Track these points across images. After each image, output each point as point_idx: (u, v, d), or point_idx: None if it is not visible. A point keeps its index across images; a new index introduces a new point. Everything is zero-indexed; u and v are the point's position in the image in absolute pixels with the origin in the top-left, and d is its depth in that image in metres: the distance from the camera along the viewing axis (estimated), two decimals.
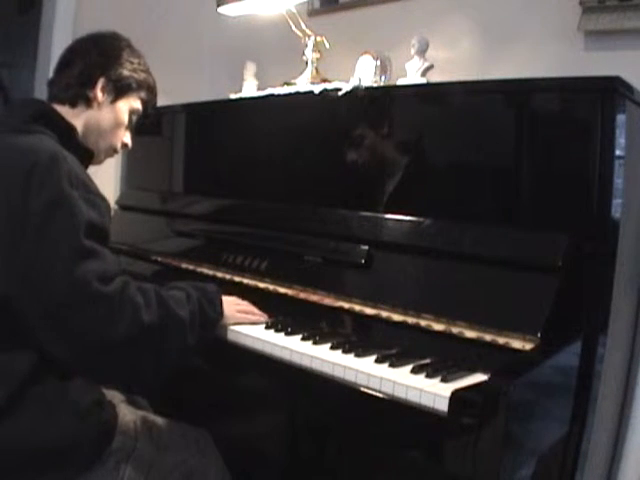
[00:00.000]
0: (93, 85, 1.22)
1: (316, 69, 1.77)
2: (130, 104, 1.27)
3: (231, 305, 1.27)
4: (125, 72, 1.25)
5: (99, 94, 1.22)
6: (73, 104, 1.21)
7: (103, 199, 1.10)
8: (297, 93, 1.63)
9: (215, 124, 1.87)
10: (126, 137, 1.30)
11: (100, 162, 1.29)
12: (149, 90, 1.30)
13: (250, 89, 2.00)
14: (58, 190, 1.01)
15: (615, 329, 1.17)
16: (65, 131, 1.17)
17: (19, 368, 1.01)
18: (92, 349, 1.00)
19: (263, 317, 1.31)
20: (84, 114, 1.22)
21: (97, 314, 0.99)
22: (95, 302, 0.99)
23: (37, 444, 1.01)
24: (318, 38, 1.78)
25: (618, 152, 1.09)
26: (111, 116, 1.24)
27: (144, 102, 1.30)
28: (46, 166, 1.02)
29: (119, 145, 1.29)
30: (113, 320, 0.99)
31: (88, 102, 1.22)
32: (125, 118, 1.27)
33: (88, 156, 1.23)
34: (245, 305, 1.31)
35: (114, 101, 1.24)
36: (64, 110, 1.20)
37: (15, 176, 1.02)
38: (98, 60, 1.23)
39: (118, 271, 1.06)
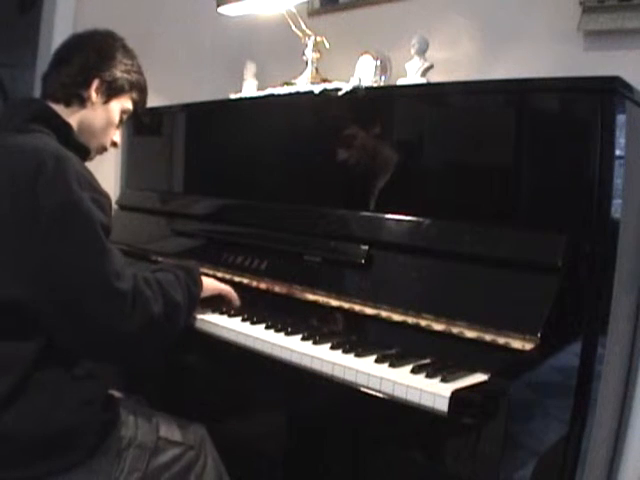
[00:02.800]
0: (88, 86, 1.25)
1: (316, 69, 1.76)
2: (122, 104, 1.30)
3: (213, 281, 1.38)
4: (118, 73, 1.28)
5: (93, 94, 1.25)
6: (68, 103, 1.24)
7: (106, 196, 1.14)
8: (297, 93, 1.63)
9: (215, 124, 1.87)
10: (115, 136, 1.34)
11: (90, 159, 1.31)
12: (140, 91, 1.34)
13: (250, 89, 2.00)
14: (69, 192, 1.04)
15: (615, 329, 1.17)
16: (63, 129, 1.19)
17: (25, 356, 1.04)
18: (107, 341, 1.08)
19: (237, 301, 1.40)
20: (78, 113, 1.24)
21: (115, 310, 1.05)
22: (113, 299, 1.04)
23: (41, 431, 1.03)
24: (318, 38, 1.77)
25: (618, 152, 1.09)
26: (104, 116, 1.27)
27: (135, 102, 1.33)
28: (53, 167, 1.04)
29: (109, 144, 1.33)
30: (128, 315, 1.06)
31: (82, 102, 1.25)
32: (116, 118, 1.30)
33: (85, 153, 1.26)
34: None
35: (107, 101, 1.27)
36: (59, 108, 1.22)
37: (21, 176, 1.04)
38: (94, 61, 1.25)
39: (125, 264, 1.10)
